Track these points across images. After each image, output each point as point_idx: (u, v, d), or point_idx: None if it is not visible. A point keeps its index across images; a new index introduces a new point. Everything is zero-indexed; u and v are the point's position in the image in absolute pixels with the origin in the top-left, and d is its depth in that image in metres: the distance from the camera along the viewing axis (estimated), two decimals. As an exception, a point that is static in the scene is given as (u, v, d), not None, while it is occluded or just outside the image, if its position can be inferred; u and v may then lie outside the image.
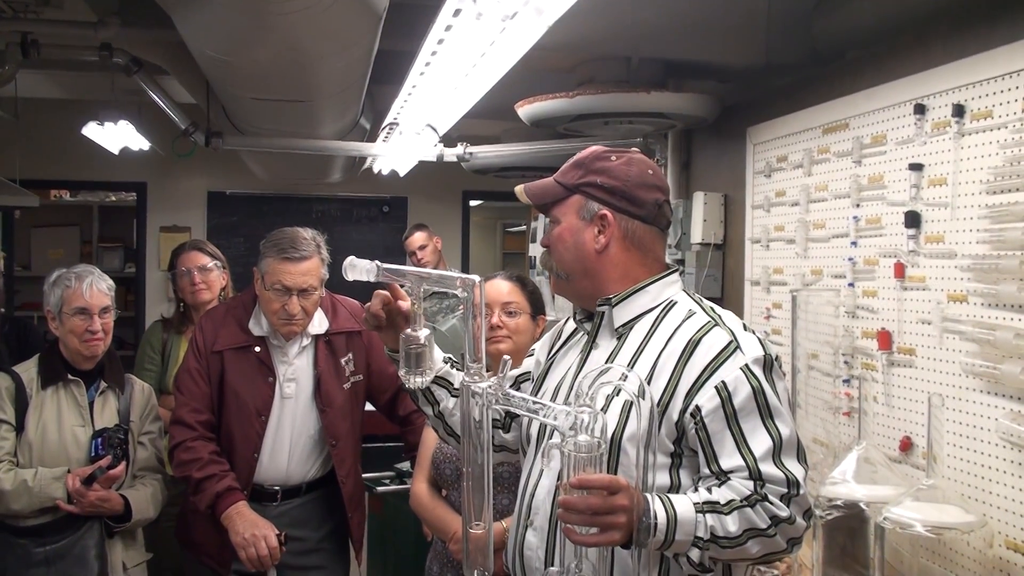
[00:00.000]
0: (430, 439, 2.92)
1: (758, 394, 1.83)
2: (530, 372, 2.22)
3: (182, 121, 4.53)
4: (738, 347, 1.87)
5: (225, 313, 3.23)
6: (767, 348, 1.91)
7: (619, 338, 1.99)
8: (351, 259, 1.88)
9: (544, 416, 1.76)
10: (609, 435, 1.84)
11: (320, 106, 3.83)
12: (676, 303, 2.00)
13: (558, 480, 1.79)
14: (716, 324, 1.92)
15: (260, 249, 3.10)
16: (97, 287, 3.07)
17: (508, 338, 2.76)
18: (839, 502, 2.45)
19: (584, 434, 1.67)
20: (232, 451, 3.08)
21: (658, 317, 1.98)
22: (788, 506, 1.80)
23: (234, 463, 3.06)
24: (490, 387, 1.81)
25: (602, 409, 1.83)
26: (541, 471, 1.97)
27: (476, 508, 1.82)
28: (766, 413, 1.83)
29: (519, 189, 2.10)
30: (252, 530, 2.89)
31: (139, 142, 6.09)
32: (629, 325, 1.99)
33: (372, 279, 1.88)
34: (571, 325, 2.19)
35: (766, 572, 2.80)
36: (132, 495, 3.06)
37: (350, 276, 1.87)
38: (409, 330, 1.89)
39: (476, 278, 1.81)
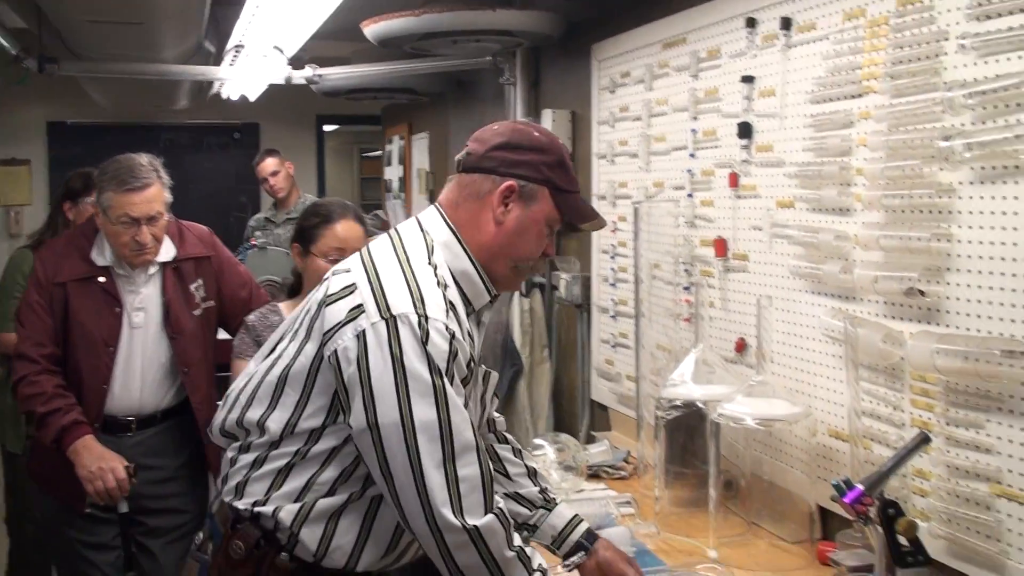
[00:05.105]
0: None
1: None
2: None
3: (12, 47, 4.33)
4: None
5: (66, 244, 3.14)
6: None
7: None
8: None
9: None
10: None
11: (159, 28, 3.73)
12: None
13: None
14: None
15: (95, 182, 3.00)
16: None
17: None
18: (678, 403, 2.58)
19: None
20: (80, 383, 3.01)
21: None
22: None
23: (83, 396, 3.00)
24: None
25: None
26: None
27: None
28: None
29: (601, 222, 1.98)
30: (98, 463, 2.86)
31: (-33, 69, 5.77)
32: None
33: None
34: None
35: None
36: None
37: None
38: None
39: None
